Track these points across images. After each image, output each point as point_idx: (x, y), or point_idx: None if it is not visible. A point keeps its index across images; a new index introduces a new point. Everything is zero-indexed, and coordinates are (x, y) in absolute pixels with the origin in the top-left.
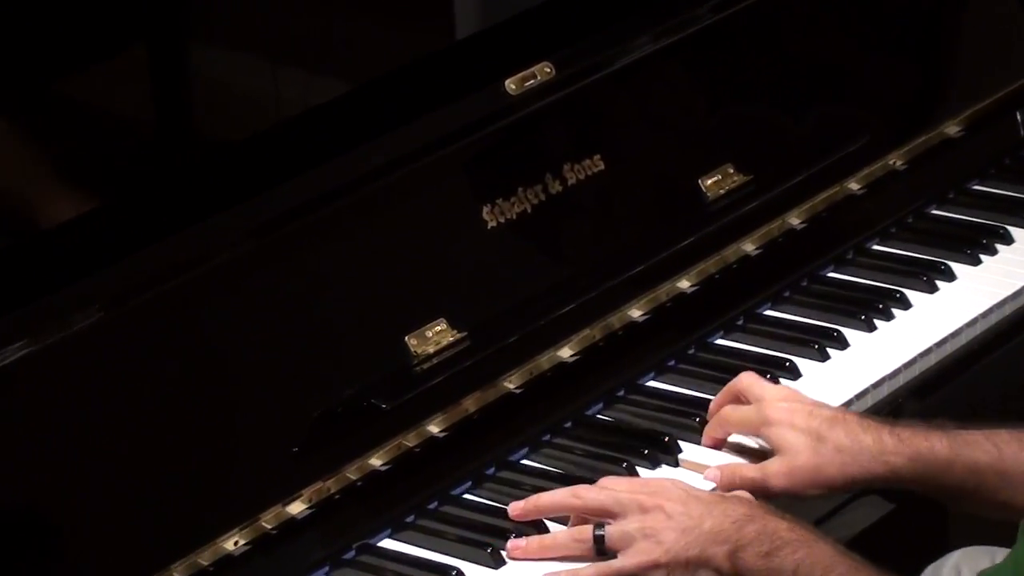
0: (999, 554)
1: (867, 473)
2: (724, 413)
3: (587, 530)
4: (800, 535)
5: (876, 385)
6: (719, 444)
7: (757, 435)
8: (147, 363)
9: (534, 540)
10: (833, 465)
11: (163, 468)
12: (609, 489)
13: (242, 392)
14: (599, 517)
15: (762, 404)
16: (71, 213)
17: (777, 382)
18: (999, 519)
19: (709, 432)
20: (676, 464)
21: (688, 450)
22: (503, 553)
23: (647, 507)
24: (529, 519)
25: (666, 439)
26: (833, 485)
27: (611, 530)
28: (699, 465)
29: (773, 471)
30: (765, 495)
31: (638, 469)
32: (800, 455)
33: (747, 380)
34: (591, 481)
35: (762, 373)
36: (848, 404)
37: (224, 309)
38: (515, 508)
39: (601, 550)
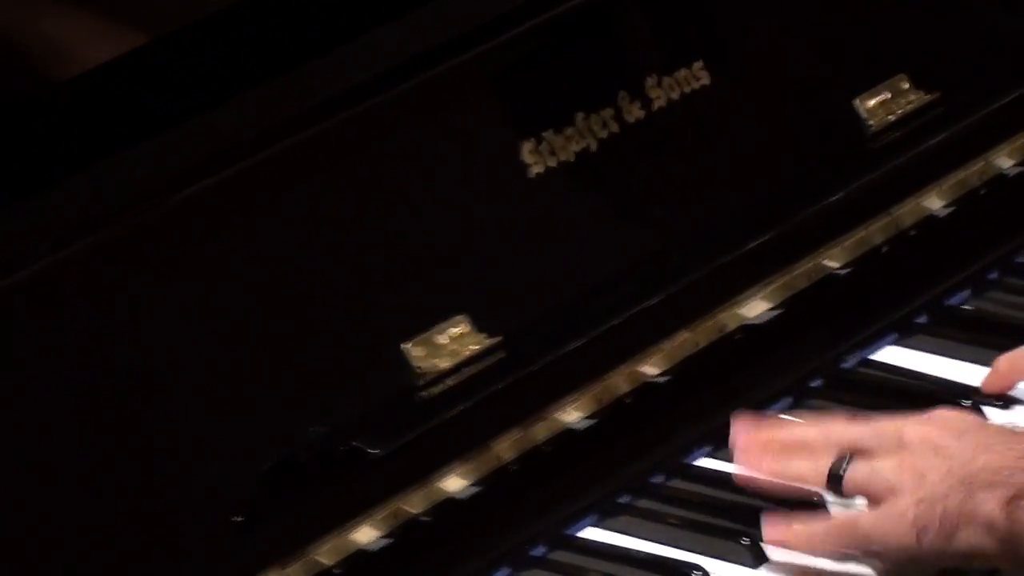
0: None
1: None
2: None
3: (826, 461)
4: None
5: None
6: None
7: None
8: (10, 385)
9: (768, 461)
10: None
11: (46, 548)
12: (871, 422)
13: (157, 432)
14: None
15: None
16: None
17: (980, 412)
18: None
19: (997, 384)
20: None
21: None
22: None
23: (909, 440)
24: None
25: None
26: None
27: (856, 466)
28: None
29: None
30: None
31: (766, 549)
32: None
33: None
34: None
35: (955, 396)
36: None
37: (131, 301)
38: (740, 425)
39: (840, 493)
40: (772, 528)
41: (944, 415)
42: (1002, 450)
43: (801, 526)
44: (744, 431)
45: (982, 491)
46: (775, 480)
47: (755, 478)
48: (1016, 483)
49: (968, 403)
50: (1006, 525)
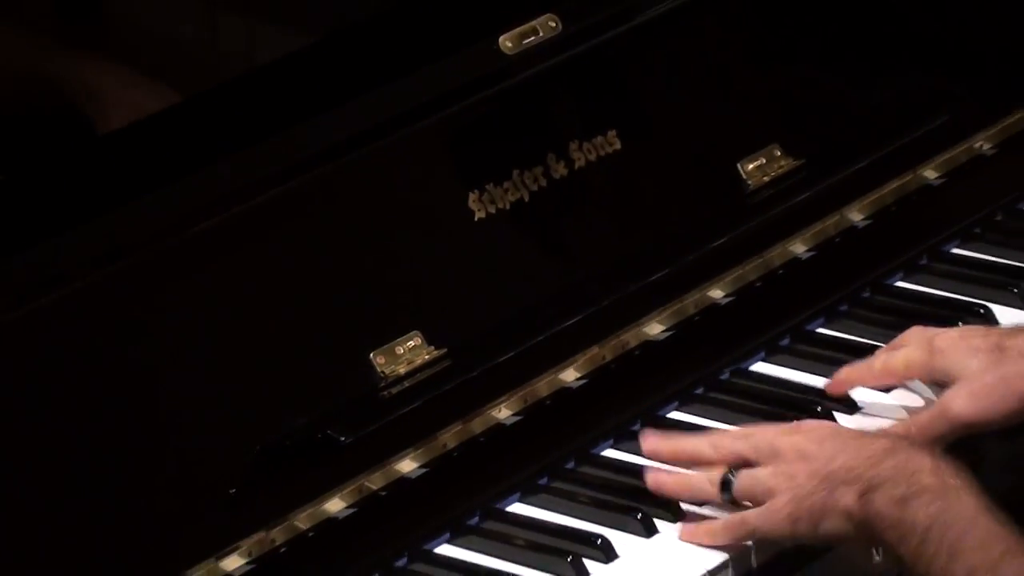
0: None
1: None
2: (886, 362)
3: (718, 473)
4: (942, 482)
5: None
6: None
7: (928, 373)
8: (50, 376)
9: (672, 477)
10: (1022, 375)
11: (68, 511)
12: (751, 435)
13: (168, 420)
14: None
15: (930, 339)
16: None
17: (831, 417)
18: None
19: (866, 377)
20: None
21: None
22: None
23: (782, 450)
24: (661, 459)
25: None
26: None
27: (741, 476)
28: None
29: (952, 396)
30: (951, 431)
31: (657, 523)
32: (983, 373)
33: (914, 330)
34: (598, 545)
35: (811, 408)
36: None
37: (146, 314)
38: (650, 439)
39: (731, 498)
40: (685, 529)
41: (808, 424)
42: (855, 452)
43: (704, 526)
44: (652, 443)
45: (840, 487)
46: (678, 488)
47: (663, 485)
48: (867, 478)
49: (820, 408)
50: (860, 513)
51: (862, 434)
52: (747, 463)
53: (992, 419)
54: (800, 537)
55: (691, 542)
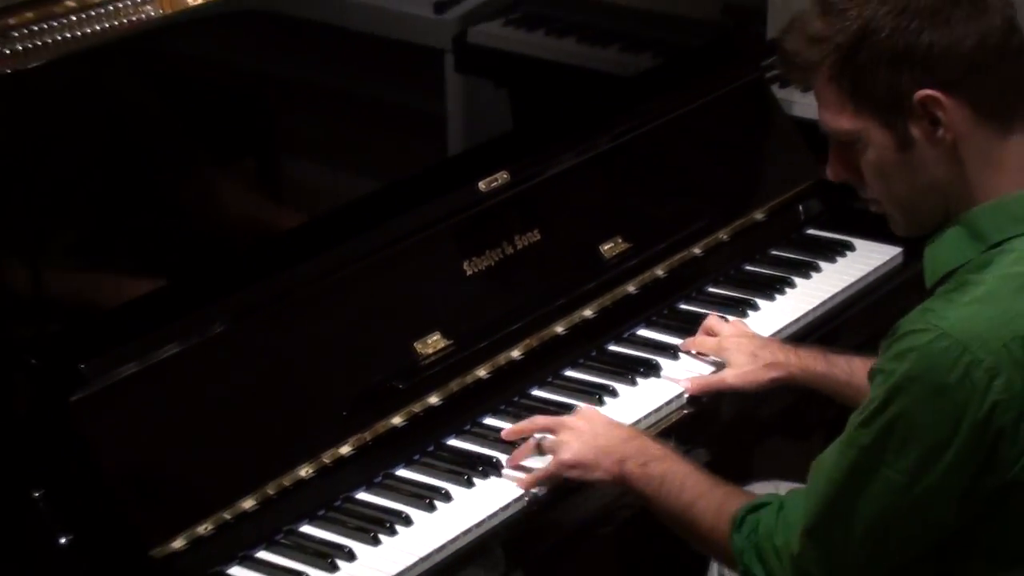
0: (782, 487)
1: (781, 378)
2: (698, 342)
3: (539, 438)
4: (666, 453)
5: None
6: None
7: (717, 353)
8: (261, 363)
9: (520, 449)
10: (763, 372)
11: (264, 424)
12: (555, 419)
13: (314, 379)
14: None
15: (721, 337)
16: (203, 263)
17: (647, 376)
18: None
19: (691, 347)
20: None
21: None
22: (475, 480)
23: (567, 426)
24: (514, 438)
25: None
26: (764, 385)
27: (547, 439)
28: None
29: (728, 375)
30: (721, 389)
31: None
32: (744, 367)
33: (712, 320)
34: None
35: (634, 371)
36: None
37: (303, 327)
38: (508, 431)
39: (541, 451)
40: (518, 481)
41: (587, 415)
42: (610, 435)
43: (529, 477)
44: (509, 430)
45: (603, 456)
46: (524, 451)
47: (518, 455)
48: (619, 452)
49: (642, 369)
50: (617, 472)
51: (617, 425)
52: (550, 431)
53: (745, 390)
54: (575, 479)
55: (522, 487)
